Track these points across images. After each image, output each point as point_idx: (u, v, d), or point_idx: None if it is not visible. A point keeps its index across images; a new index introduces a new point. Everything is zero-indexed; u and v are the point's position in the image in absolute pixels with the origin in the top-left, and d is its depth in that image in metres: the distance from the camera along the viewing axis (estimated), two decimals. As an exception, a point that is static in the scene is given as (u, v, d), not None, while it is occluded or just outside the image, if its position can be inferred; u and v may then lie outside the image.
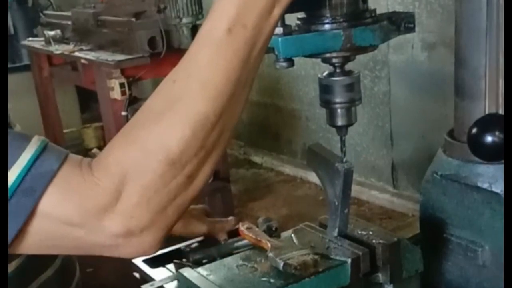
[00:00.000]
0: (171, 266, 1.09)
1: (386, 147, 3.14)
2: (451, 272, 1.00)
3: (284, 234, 1.05)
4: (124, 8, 3.12)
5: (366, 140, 3.13)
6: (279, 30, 0.82)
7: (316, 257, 0.88)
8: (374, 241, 0.92)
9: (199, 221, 1.16)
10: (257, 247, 0.98)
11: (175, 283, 1.01)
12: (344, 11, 0.85)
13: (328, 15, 0.85)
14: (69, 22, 3.28)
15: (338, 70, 0.90)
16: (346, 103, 0.90)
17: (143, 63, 2.70)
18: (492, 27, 0.85)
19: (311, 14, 0.87)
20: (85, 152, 4.31)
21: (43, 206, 0.65)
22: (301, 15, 0.89)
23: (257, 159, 3.99)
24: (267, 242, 0.95)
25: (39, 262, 0.93)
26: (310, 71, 3.17)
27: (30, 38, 3.74)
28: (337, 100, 0.90)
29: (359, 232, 0.95)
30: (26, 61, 4.15)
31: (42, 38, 3.41)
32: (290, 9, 0.82)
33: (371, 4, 0.88)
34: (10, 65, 4.34)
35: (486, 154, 0.78)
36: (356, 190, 2.99)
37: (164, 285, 1.02)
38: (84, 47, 3.02)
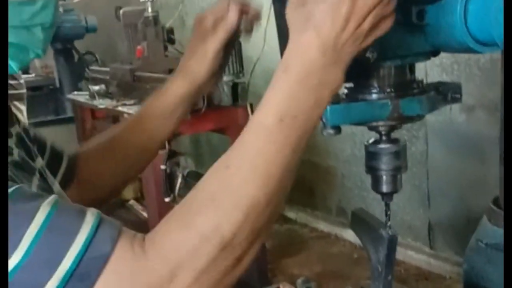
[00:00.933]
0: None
1: (423, 207, 3.10)
2: None
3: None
4: (159, 64, 3.19)
5: (402, 199, 3.11)
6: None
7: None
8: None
9: None
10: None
11: None
12: (392, 81, 0.88)
13: (376, 85, 0.88)
14: (109, 77, 3.39)
15: (384, 138, 0.92)
16: (392, 170, 0.92)
17: (184, 118, 2.75)
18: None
19: (359, 83, 0.90)
20: (122, 203, 4.36)
21: None
22: (349, 84, 0.92)
23: (291, 214, 3.98)
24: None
25: None
26: (347, 129, 3.18)
27: (75, 92, 3.86)
28: (383, 167, 0.92)
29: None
30: (70, 114, 4.27)
31: (87, 92, 3.52)
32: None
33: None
34: (54, 117, 4.49)
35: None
36: (392, 250, 2.95)
37: None
38: (126, 102, 3.10)
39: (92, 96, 3.32)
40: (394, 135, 0.93)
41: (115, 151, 1.16)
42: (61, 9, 4.17)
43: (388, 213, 0.97)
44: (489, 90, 2.52)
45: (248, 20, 1.07)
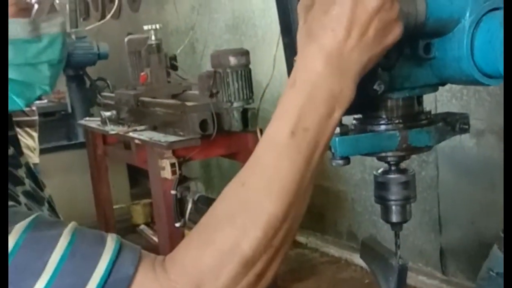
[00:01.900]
0: None
1: (434, 232, 3.09)
2: None
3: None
4: (162, 90, 3.32)
5: (413, 224, 3.10)
6: (336, 129, 0.86)
7: None
8: None
9: None
10: None
11: None
12: (400, 113, 0.88)
13: (384, 116, 0.89)
14: (114, 103, 3.46)
15: (393, 168, 0.93)
16: (401, 200, 0.93)
17: (194, 144, 2.78)
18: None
19: (367, 115, 0.91)
20: (133, 228, 4.37)
21: None
22: (358, 115, 0.93)
23: (301, 239, 3.96)
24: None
25: None
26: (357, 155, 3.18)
27: (87, 118, 3.90)
28: (393, 197, 0.92)
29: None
30: (81, 139, 4.31)
31: (98, 118, 3.55)
32: (348, 111, 0.86)
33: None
34: (66, 143, 4.53)
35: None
36: (403, 275, 2.93)
37: None
38: (137, 128, 3.13)
39: (104, 122, 3.36)
40: (403, 163, 0.94)
41: None
42: (73, 36, 4.23)
43: (398, 242, 0.97)
44: (499, 115, 2.53)
45: None
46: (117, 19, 5.34)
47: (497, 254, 1.02)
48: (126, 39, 3.58)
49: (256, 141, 2.79)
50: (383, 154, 0.90)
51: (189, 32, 4.40)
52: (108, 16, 4.75)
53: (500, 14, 0.77)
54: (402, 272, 0.92)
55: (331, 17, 0.71)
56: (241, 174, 0.73)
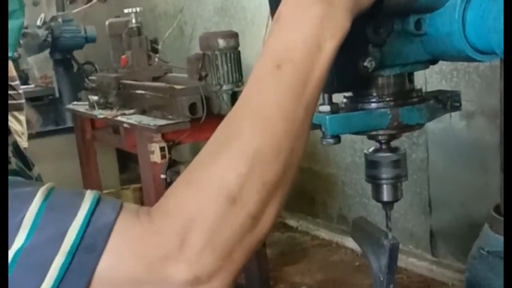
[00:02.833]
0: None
1: (424, 214, 3.10)
2: None
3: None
4: (143, 73, 3.36)
5: (403, 206, 3.11)
6: (326, 108, 0.85)
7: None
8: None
9: None
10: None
11: None
12: (391, 90, 0.87)
13: (375, 94, 0.88)
14: (96, 85, 3.51)
15: (384, 147, 0.92)
16: (392, 179, 0.92)
17: (184, 128, 2.76)
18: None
19: (358, 93, 0.90)
20: (123, 213, 4.36)
21: (105, 262, 0.63)
22: (348, 93, 0.92)
23: (292, 222, 3.97)
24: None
25: None
26: (347, 137, 3.17)
27: (74, 102, 3.87)
28: (384, 176, 0.92)
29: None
30: (69, 124, 4.27)
31: (86, 102, 3.53)
32: (338, 89, 0.85)
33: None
34: (54, 128, 4.49)
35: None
36: (393, 257, 2.95)
37: None
38: (126, 112, 3.11)
39: (92, 106, 3.33)
40: (394, 142, 0.93)
41: None
42: (60, 20, 4.19)
43: (389, 221, 0.97)
44: (489, 96, 2.53)
45: None
46: (104, 2, 5.28)
47: (488, 233, 1.02)
48: (107, 23, 3.60)
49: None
50: (374, 133, 0.90)
51: (177, 15, 4.36)
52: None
53: (492, -12, 0.76)
54: (393, 251, 0.92)
55: None
56: (228, 114, 0.70)
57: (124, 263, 0.64)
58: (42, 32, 4.18)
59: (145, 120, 2.89)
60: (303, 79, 0.68)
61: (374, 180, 0.93)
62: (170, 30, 3.92)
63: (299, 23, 0.68)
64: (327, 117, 0.84)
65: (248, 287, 2.95)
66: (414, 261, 3.13)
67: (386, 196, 0.93)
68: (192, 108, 2.71)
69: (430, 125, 2.93)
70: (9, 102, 2.82)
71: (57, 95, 4.40)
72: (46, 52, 4.36)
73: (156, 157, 2.76)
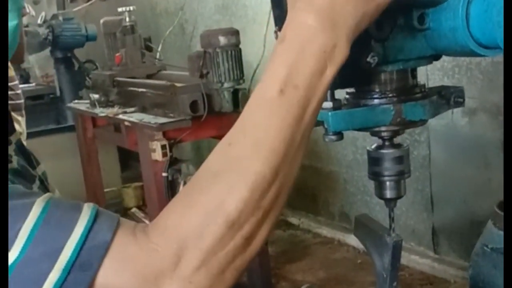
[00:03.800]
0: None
1: (427, 211, 3.09)
2: None
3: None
4: (137, 70, 3.43)
5: (405, 204, 3.10)
6: (328, 104, 0.84)
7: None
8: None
9: None
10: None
11: None
12: (394, 86, 0.87)
13: (378, 90, 0.87)
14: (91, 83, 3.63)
15: (387, 143, 0.91)
16: (395, 175, 0.91)
17: (185, 125, 2.76)
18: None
19: (360, 89, 0.89)
20: (125, 211, 4.36)
21: (101, 279, 0.64)
22: (351, 89, 0.91)
23: (294, 220, 3.97)
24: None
25: None
26: (349, 134, 3.17)
27: (75, 101, 3.86)
28: (386, 172, 0.91)
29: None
30: (71, 122, 4.27)
31: (88, 101, 3.52)
32: (341, 85, 0.85)
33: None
34: (55, 126, 4.48)
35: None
36: (396, 255, 2.94)
37: None
38: (127, 110, 3.10)
39: (93, 104, 3.33)
40: (396, 139, 0.92)
41: None
42: (61, 18, 4.18)
43: (392, 218, 0.96)
44: (491, 93, 2.52)
45: None
46: (104, 0, 5.27)
47: (492, 230, 1.01)
48: (101, 21, 3.65)
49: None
50: (377, 129, 0.89)
51: (178, 13, 4.36)
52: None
53: (496, -18, 0.75)
54: (396, 248, 0.91)
55: None
56: (228, 134, 0.70)
57: (119, 280, 0.65)
58: (43, 31, 4.17)
59: (146, 118, 2.88)
60: (304, 105, 0.69)
61: (377, 177, 0.92)
62: (171, 28, 3.92)
63: (304, 50, 0.69)
64: (330, 113, 0.83)
65: (250, 285, 2.94)
66: (416, 258, 3.12)
67: (389, 193, 0.93)
68: (193, 106, 2.71)
69: (432, 122, 2.92)
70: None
71: (58, 93, 4.39)
72: (47, 51, 4.36)
73: (157, 155, 2.76)
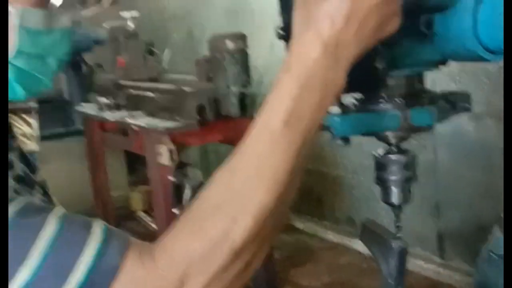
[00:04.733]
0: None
1: (432, 216, 3.08)
2: None
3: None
4: (139, 74, 3.52)
5: (411, 209, 3.07)
6: (336, 109, 0.85)
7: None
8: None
9: None
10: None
11: None
12: (401, 91, 0.87)
13: (385, 95, 0.87)
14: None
15: (394, 149, 0.91)
16: (402, 181, 0.91)
17: (192, 129, 2.77)
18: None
19: (368, 94, 0.89)
20: (131, 215, 4.37)
21: None
22: (358, 94, 0.91)
23: (299, 225, 3.96)
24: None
25: None
26: (355, 139, 3.16)
27: (84, 104, 3.88)
28: (393, 178, 0.91)
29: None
30: (79, 126, 4.27)
31: (95, 104, 3.54)
32: (348, 90, 0.85)
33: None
34: (63, 130, 4.50)
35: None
36: (402, 260, 2.94)
37: None
38: (134, 114, 3.11)
39: (101, 108, 3.34)
40: (403, 145, 0.92)
41: None
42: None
43: (398, 224, 0.96)
44: (498, 98, 2.51)
45: None
46: (113, 5, 5.29)
47: (498, 236, 1.01)
48: (105, 26, 3.73)
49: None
50: (384, 134, 0.89)
51: (186, 18, 4.37)
52: (106, 3, 4.72)
53: (504, -12, 0.75)
54: (402, 254, 0.91)
55: (331, 4, 0.69)
56: (231, 162, 0.72)
57: None
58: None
59: (153, 122, 2.89)
60: (305, 136, 0.71)
61: (383, 183, 0.92)
62: (179, 32, 3.93)
63: (309, 82, 0.70)
64: (337, 118, 0.83)
65: (256, 289, 2.94)
66: (421, 264, 3.12)
67: (395, 199, 0.93)
68: (200, 110, 2.72)
69: (438, 127, 2.89)
70: (18, 105, 2.83)
71: (66, 97, 4.41)
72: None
73: (164, 159, 2.76)
